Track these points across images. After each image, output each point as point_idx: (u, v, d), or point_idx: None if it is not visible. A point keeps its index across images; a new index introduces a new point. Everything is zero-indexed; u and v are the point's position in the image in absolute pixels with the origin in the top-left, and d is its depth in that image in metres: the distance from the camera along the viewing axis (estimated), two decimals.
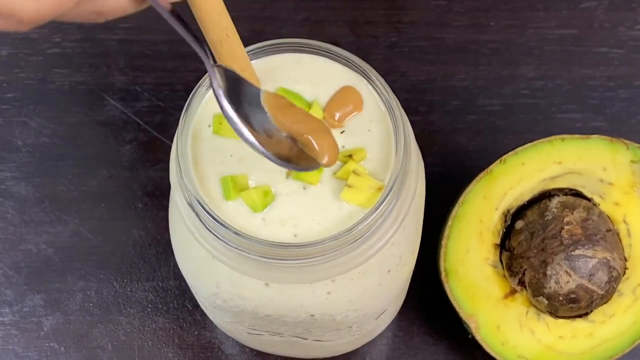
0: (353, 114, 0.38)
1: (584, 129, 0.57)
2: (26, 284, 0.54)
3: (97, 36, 0.60)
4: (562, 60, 0.60)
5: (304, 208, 0.37)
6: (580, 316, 0.48)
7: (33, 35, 0.60)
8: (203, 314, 0.53)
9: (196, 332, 0.53)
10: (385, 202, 0.36)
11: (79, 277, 0.54)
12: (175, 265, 0.53)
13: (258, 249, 0.36)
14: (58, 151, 0.57)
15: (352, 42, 0.60)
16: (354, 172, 0.37)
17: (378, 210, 0.36)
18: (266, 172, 0.37)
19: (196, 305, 0.53)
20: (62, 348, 0.53)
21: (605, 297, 0.48)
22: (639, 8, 0.61)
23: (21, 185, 0.56)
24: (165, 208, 0.46)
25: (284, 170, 0.37)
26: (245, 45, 0.37)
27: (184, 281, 0.53)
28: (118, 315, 0.53)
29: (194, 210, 0.37)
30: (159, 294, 0.54)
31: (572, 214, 0.47)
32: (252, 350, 0.53)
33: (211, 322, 0.53)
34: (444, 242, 0.49)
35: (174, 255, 0.44)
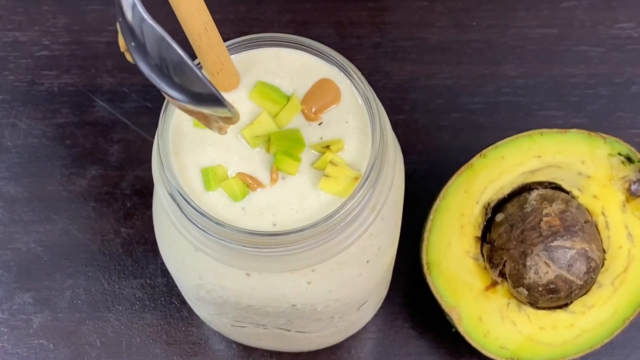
0: (331, 106, 0.39)
1: (565, 126, 0.58)
2: (15, 282, 0.55)
3: (85, 39, 0.61)
4: (543, 58, 0.60)
5: (282, 198, 0.38)
6: (560, 307, 0.49)
7: (22, 39, 0.61)
8: (190, 310, 0.54)
9: (183, 329, 0.54)
10: (362, 191, 0.37)
11: (67, 275, 0.55)
12: (163, 263, 0.54)
13: (238, 238, 0.37)
14: (47, 151, 0.58)
15: (336, 43, 0.61)
16: (331, 163, 0.37)
17: (355, 199, 0.37)
18: (246, 162, 0.38)
19: (183, 302, 0.54)
20: (51, 345, 0.54)
21: (585, 288, 0.48)
22: (619, 7, 0.62)
23: (10, 185, 0.57)
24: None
25: (263, 161, 0.38)
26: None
27: (172, 278, 0.54)
28: (106, 312, 0.54)
29: (175, 201, 0.37)
30: (147, 291, 0.55)
31: (551, 206, 0.48)
32: (238, 345, 0.53)
33: (198, 318, 0.53)
34: (426, 235, 0.50)
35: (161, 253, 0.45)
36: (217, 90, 0.33)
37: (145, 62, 0.32)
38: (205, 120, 0.36)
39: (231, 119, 0.35)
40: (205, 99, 0.33)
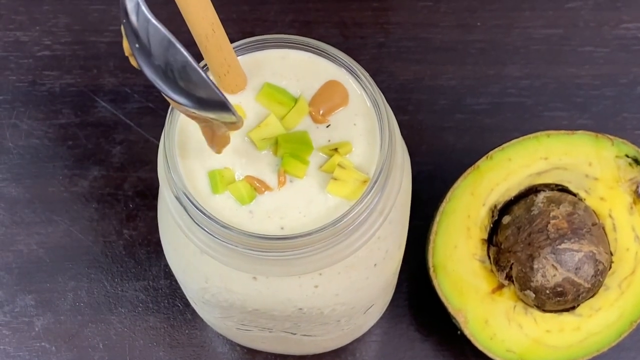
0: (338, 108, 0.39)
1: (570, 127, 0.57)
2: (17, 284, 0.54)
3: (87, 39, 0.60)
4: (548, 59, 0.60)
5: (290, 201, 0.37)
6: (567, 310, 0.49)
7: (23, 39, 0.60)
8: (194, 313, 0.53)
9: (187, 331, 0.54)
10: (370, 194, 0.36)
11: (69, 277, 0.54)
12: (166, 265, 0.53)
13: (245, 242, 0.36)
14: (49, 152, 0.57)
15: (340, 43, 0.60)
16: (340, 165, 0.37)
17: (363, 203, 0.36)
18: (253, 165, 0.38)
19: (187, 305, 0.54)
20: (54, 348, 0.53)
21: (592, 291, 0.48)
22: (624, 7, 0.61)
23: (12, 186, 0.56)
24: (155, 208, 0.46)
25: (271, 163, 0.38)
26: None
27: (175, 281, 0.53)
28: (109, 314, 0.54)
29: (181, 204, 0.37)
30: (150, 294, 0.54)
31: (558, 208, 0.48)
32: (242, 348, 0.53)
33: (202, 321, 0.53)
34: (432, 237, 0.49)
35: (164, 255, 0.44)
36: (223, 95, 0.33)
37: (149, 65, 0.32)
38: (208, 127, 0.35)
39: (235, 125, 0.34)
40: (210, 103, 0.33)
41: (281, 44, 0.39)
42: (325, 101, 0.38)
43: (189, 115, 0.34)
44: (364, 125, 0.38)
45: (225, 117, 0.34)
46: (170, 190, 0.37)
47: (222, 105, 0.33)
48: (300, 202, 0.37)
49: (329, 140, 0.38)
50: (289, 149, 0.37)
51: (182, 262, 0.42)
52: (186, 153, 0.38)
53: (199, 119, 0.34)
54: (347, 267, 0.39)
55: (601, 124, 0.58)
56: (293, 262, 0.37)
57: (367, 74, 0.38)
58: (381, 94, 0.38)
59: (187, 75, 0.32)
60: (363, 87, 0.39)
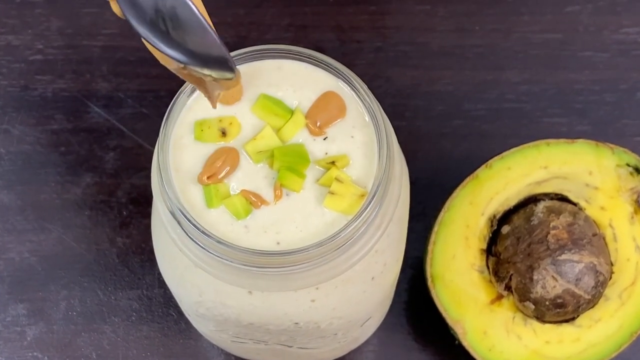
0: (336, 120, 0.38)
1: (569, 133, 0.57)
2: (9, 293, 0.54)
3: (80, 43, 0.59)
4: (547, 64, 0.59)
5: (286, 215, 0.36)
6: (566, 321, 0.48)
7: (15, 42, 0.59)
8: (188, 322, 0.53)
9: (181, 341, 0.53)
10: (368, 209, 0.36)
11: (62, 286, 0.54)
12: (160, 274, 0.53)
13: (240, 257, 0.35)
14: (41, 159, 0.56)
15: (336, 48, 0.59)
16: (337, 179, 0.36)
17: (361, 217, 0.36)
18: (249, 178, 0.37)
19: (181, 314, 0.53)
20: (46, 357, 0.52)
21: (592, 302, 0.48)
22: (623, 12, 0.61)
23: (3, 193, 0.56)
24: (149, 215, 0.45)
25: (266, 177, 0.37)
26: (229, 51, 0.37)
27: (169, 289, 0.52)
28: (102, 324, 0.53)
29: (176, 218, 0.36)
30: (144, 303, 0.54)
31: (558, 218, 0.47)
32: (237, 359, 0.52)
33: (196, 330, 0.52)
34: (430, 247, 0.49)
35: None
36: (219, 38, 0.30)
37: (135, 15, 0.29)
38: (202, 84, 0.34)
39: (231, 81, 0.32)
40: (205, 56, 0.30)
41: (277, 54, 0.38)
42: (322, 113, 0.38)
43: (180, 73, 0.32)
44: (361, 138, 0.38)
45: (222, 72, 0.31)
46: (164, 204, 0.37)
47: (219, 55, 0.30)
48: (297, 217, 0.36)
49: (326, 153, 0.37)
50: (286, 162, 0.37)
51: (176, 275, 0.41)
52: (180, 166, 0.37)
53: (190, 76, 0.32)
54: (345, 281, 0.39)
55: (601, 130, 0.58)
56: (289, 277, 0.37)
57: (364, 86, 0.38)
58: (379, 105, 0.38)
59: (178, 19, 0.29)
60: (360, 99, 0.38)
